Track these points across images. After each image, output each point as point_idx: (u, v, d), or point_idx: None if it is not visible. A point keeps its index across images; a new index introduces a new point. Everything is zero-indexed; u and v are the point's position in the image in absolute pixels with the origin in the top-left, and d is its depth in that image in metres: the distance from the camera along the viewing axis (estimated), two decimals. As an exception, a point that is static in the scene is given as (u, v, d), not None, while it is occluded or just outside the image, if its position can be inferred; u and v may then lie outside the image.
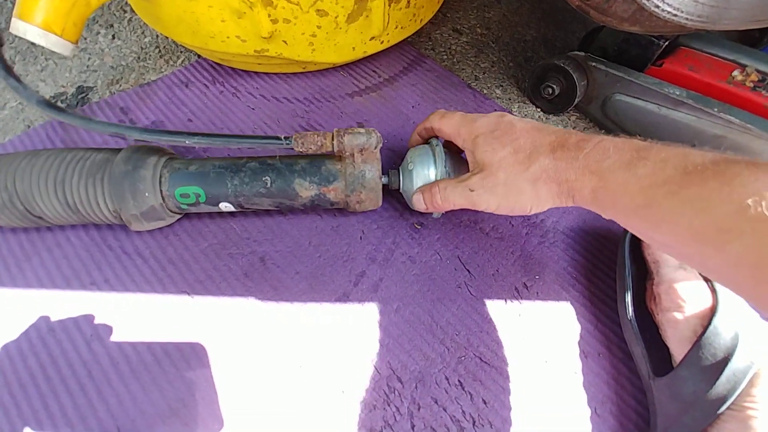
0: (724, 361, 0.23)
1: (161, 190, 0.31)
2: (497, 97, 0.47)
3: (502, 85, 0.48)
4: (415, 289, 0.33)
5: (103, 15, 0.54)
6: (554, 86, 0.42)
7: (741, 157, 0.18)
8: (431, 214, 0.32)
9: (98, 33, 0.52)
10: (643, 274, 0.31)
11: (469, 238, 0.36)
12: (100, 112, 0.43)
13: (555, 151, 0.25)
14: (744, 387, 0.23)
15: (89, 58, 0.49)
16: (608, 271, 0.34)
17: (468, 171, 0.30)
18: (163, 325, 0.31)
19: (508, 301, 0.33)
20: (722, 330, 0.24)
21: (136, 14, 0.53)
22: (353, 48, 0.41)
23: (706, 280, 0.27)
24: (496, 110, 0.44)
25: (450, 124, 0.30)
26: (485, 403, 0.29)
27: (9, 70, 0.34)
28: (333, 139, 0.30)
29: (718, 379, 0.23)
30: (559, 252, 0.35)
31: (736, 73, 0.35)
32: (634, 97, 0.38)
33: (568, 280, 0.34)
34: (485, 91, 0.47)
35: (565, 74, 0.41)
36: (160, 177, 0.31)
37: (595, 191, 0.23)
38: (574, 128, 0.45)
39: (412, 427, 0.28)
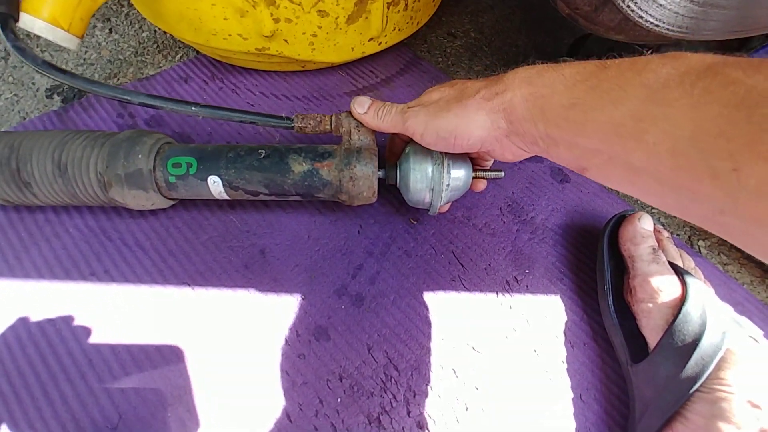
0: (693, 345, 0.25)
1: (155, 158, 0.31)
2: (490, 100, 0.49)
3: (494, 88, 0.50)
4: (411, 281, 0.34)
5: (100, 9, 0.53)
6: (544, 90, 0.44)
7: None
8: (427, 210, 0.33)
9: (95, 26, 0.52)
10: (621, 269, 0.33)
11: (462, 233, 0.37)
12: (99, 106, 0.43)
13: (486, 78, 0.26)
14: (712, 370, 0.25)
15: (86, 52, 0.49)
16: (594, 267, 0.36)
17: (468, 166, 0.31)
18: (164, 315, 0.31)
19: (500, 294, 0.34)
20: (691, 317, 0.26)
21: (134, 8, 0.53)
22: (352, 48, 0.42)
23: (677, 273, 0.29)
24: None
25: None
26: (477, 389, 0.30)
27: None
28: (332, 117, 0.32)
29: (687, 362, 0.25)
30: (548, 248, 0.37)
31: (713, 81, 0.38)
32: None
33: (556, 275, 0.36)
34: (478, 94, 0.49)
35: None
36: (159, 148, 0.32)
37: (524, 98, 0.23)
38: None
39: (408, 413, 0.29)
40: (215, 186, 0.31)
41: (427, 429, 0.29)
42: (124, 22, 0.52)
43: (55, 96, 0.45)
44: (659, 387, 0.27)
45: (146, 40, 0.51)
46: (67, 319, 0.31)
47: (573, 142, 0.21)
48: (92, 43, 0.50)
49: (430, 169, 0.30)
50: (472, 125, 0.25)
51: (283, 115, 0.32)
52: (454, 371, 0.31)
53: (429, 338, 0.32)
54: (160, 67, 0.48)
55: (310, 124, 0.31)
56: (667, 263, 0.30)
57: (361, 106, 0.31)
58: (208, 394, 0.29)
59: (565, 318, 0.34)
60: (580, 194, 0.41)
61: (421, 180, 0.31)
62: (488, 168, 0.34)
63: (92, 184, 0.31)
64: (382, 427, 0.29)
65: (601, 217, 0.39)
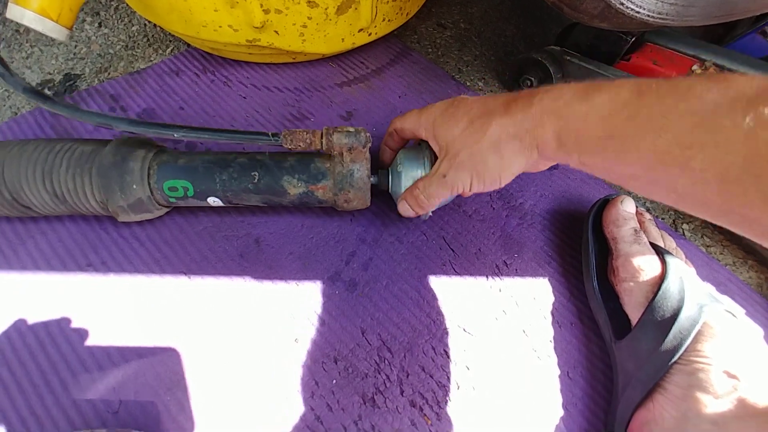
0: (672, 320, 0.27)
1: (149, 183, 0.31)
2: (479, 89, 0.50)
3: (484, 78, 0.51)
4: (402, 267, 0.35)
5: (88, 3, 0.53)
6: (533, 78, 0.45)
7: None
8: (419, 216, 0.33)
9: (84, 21, 0.52)
10: (605, 251, 0.34)
11: (453, 220, 0.38)
12: (90, 100, 0.43)
13: (508, 106, 0.24)
14: (690, 343, 0.26)
15: (76, 46, 0.49)
16: (580, 250, 0.37)
17: None
18: (162, 303, 0.32)
19: (490, 278, 0.35)
20: (670, 293, 0.28)
21: (123, 2, 0.53)
22: (342, 39, 0.43)
23: (658, 253, 0.30)
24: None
25: (409, 119, 0.31)
26: (468, 369, 0.31)
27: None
28: (322, 137, 0.31)
29: (666, 336, 0.26)
30: (536, 233, 0.38)
31: (695, 67, 0.39)
32: (605, 89, 0.41)
33: (544, 258, 0.37)
34: (468, 83, 0.50)
35: (543, 67, 0.44)
36: (149, 169, 0.31)
37: (557, 133, 0.22)
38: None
39: (401, 392, 0.30)
40: (215, 202, 0.33)
41: (420, 408, 0.30)
42: (114, 16, 0.52)
43: (46, 90, 0.45)
44: (640, 361, 0.28)
45: (136, 34, 0.51)
46: (66, 309, 0.31)
47: (610, 169, 0.21)
48: (82, 37, 0.50)
49: (421, 174, 0.31)
50: (513, 167, 0.26)
51: (270, 133, 0.31)
52: (446, 352, 0.32)
53: (421, 321, 0.33)
54: (151, 60, 0.48)
55: (299, 145, 0.31)
56: (648, 244, 0.31)
57: (404, 208, 0.31)
58: (207, 378, 0.30)
59: (552, 299, 0.35)
60: (567, 181, 0.42)
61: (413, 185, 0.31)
62: None
63: (97, 209, 0.32)
64: (377, 406, 0.30)
65: (588, 202, 0.40)
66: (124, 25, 0.52)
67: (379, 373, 0.31)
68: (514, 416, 0.30)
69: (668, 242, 0.33)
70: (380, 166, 0.35)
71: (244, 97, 0.44)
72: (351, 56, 0.49)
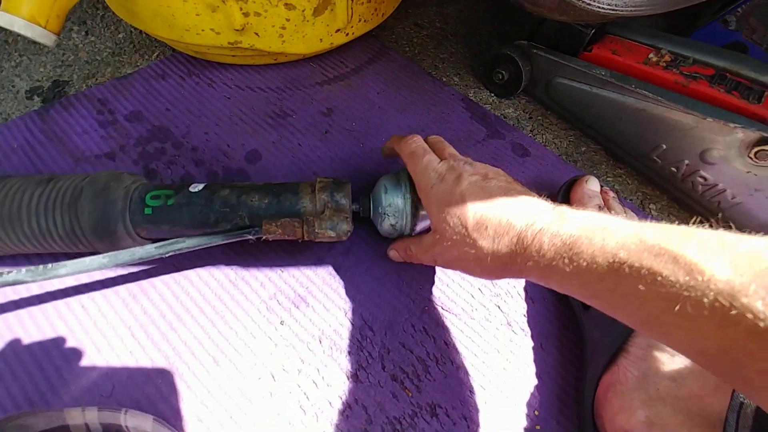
0: None
1: (137, 236, 0.31)
2: (455, 84, 0.52)
3: (459, 74, 0.53)
4: (383, 250, 0.37)
5: (75, 12, 0.55)
6: (504, 72, 0.47)
7: (657, 243, 0.18)
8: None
9: (71, 30, 0.53)
10: None
11: (430, 206, 0.40)
12: (78, 104, 0.44)
13: (504, 267, 0.24)
14: None
15: (63, 54, 0.51)
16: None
17: None
18: (152, 292, 0.33)
19: (466, 259, 0.37)
20: None
21: (109, 11, 0.55)
22: (320, 39, 0.45)
23: None
24: (453, 95, 0.49)
25: (404, 153, 0.31)
26: (447, 344, 0.33)
27: None
28: (302, 227, 0.31)
29: None
30: (510, 216, 0.40)
31: (651, 55, 0.41)
32: (570, 79, 0.43)
33: (517, 239, 0.39)
34: (444, 79, 0.52)
35: (512, 61, 0.46)
36: (132, 221, 0.30)
37: (539, 279, 0.23)
38: (524, 111, 0.50)
39: (383, 368, 0.32)
40: None
41: (401, 381, 0.31)
42: (100, 24, 0.54)
43: (35, 97, 0.47)
44: (605, 328, 0.30)
45: (123, 41, 0.52)
46: (56, 296, 0.33)
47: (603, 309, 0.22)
48: (69, 45, 0.52)
49: (400, 202, 0.32)
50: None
51: (252, 231, 0.31)
52: (425, 329, 0.34)
53: (401, 301, 0.35)
54: (138, 66, 0.50)
55: (284, 238, 0.31)
56: None
57: (394, 255, 0.34)
58: (197, 360, 0.31)
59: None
60: (540, 166, 0.44)
61: (394, 213, 0.32)
62: None
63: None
64: (359, 381, 0.31)
65: (560, 184, 0.43)
66: (111, 32, 0.53)
67: (362, 350, 0.32)
68: (491, 387, 0.32)
69: (631, 217, 0.35)
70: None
71: (228, 98, 0.46)
72: (331, 56, 0.51)
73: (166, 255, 0.30)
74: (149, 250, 0.30)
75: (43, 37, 0.33)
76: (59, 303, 0.32)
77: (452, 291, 0.35)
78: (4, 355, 0.30)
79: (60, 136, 0.42)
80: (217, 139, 0.43)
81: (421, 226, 0.33)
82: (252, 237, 0.31)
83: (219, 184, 0.32)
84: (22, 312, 0.32)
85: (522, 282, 0.36)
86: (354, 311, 0.34)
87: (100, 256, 0.29)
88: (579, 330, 0.34)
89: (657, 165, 0.41)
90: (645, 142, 0.41)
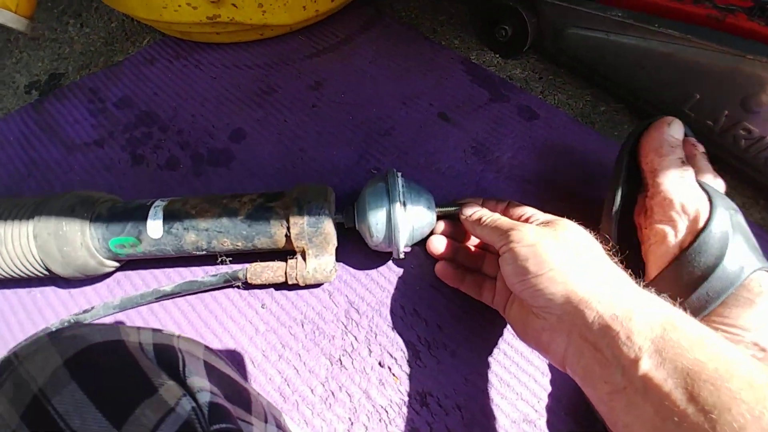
0: (702, 278, 0.22)
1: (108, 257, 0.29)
2: (456, 47, 0.47)
3: (460, 36, 0.48)
4: (371, 228, 0.34)
5: (72, 5, 0.55)
6: (507, 27, 0.42)
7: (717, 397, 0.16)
8: (392, 256, 0.31)
9: (68, 23, 0.54)
10: (633, 189, 0.28)
11: (425, 178, 0.36)
12: (71, 94, 0.44)
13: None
14: (718, 306, 0.22)
15: (60, 47, 0.51)
16: (563, 199, 0.35)
17: (427, 203, 0.30)
18: (144, 285, 0.33)
19: (463, 234, 0.34)
20: (708, 247, 0.22)
21: (102, 1, 0.55)
22: (304, 7, 0.42)
23: (706, 192, 0.24)
24: (452, 59, 0.45)
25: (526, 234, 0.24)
26: (440, 328, 0.30)
27: None
28: (285, 269, 0.30)
29: (689, 296, 0.22)
30: (515, 185, 0.36)
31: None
32: (583, 27, 0.38)
33: (522, 210, 0.35)
34: (444, 42, 0.48)
35: (516, 13, 0.41)
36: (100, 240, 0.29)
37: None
38: (533, 71, 0.45)
39: (370, 353, 0.29)
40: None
41: (389, 367, 0.29)
42: (94, 15, 0.54)
43: (33, 91, 0.47)
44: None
45: (115, 30, 0.52)
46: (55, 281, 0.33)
47: None
48: (65, 38, 0.52)
49: (385, 210, 0.28)
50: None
51: (236, 279, 0.30)
52: (416, 311, 0.31)
53: (390, 281, 0.32)
54: (129, 53, 0.49)
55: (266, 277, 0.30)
56: (695, 181, 0.25)
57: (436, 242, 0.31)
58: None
59: (531, 251, 0.33)
60: (549, 130, 0.39)
61: (379, 222, 0.28)
62: (450, 203, 0.32)
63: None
64: (344, 367, 0.29)
65: (573, 150, 0.38)
66: (104, 22, 0.53)
67: (347, 335, 0.30)
68: (489, 374, 0.28)
69: (719, 185, 0.27)
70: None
71: (215, 78, 0.45)
72: (321, 27, 0.48)
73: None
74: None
75: (14, 21, 0.32)
76: (43, 295, 0.32)
77: (447, 269, 0.32)
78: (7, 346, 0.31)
79: (53, 127, 0.42)
80: (203, 120, 0.41)
81: (412, 234, 0.29)
82: (236, 278, 0.30)
83: (178, 215, 0.29)
84: (10, 309, 0.32)
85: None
86: (339, 293, 0.31)
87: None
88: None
89: (690, 119, 0.36)
90: (674, 93, 0.35)
